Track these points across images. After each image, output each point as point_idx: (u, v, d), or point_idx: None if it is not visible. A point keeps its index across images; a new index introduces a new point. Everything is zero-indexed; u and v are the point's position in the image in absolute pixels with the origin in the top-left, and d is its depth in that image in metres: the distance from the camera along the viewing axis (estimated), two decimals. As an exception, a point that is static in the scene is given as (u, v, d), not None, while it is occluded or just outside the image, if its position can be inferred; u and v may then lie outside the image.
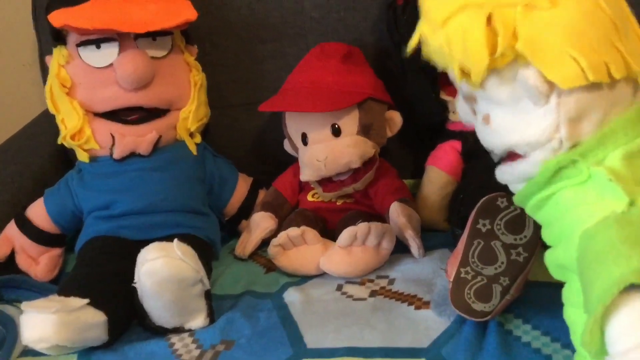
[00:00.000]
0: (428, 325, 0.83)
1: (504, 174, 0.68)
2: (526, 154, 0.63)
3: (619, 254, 0.51)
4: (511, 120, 0.63)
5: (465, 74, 0.62)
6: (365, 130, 1.05)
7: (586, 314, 0.53)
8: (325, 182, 1.08)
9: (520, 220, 0.79)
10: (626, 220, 0.54)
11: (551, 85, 0.59)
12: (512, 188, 0.69)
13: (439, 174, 1.10)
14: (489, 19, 0.59)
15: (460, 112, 0.73)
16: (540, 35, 0.58)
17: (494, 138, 0.66)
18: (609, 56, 0.58)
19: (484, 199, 0.81)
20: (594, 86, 0.59)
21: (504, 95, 0.62)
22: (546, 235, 0.66)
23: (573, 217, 0.59)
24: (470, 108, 0.70)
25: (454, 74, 0.63)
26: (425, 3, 0.65)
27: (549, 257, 0.65)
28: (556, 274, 0.66)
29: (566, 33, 0.58)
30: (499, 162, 0.70)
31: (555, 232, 0.63)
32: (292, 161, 1.15)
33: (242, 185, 1.17)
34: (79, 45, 1.03)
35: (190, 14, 1.04)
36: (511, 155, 0.66)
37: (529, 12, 0.58)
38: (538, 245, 0.79)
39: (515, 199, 0.68)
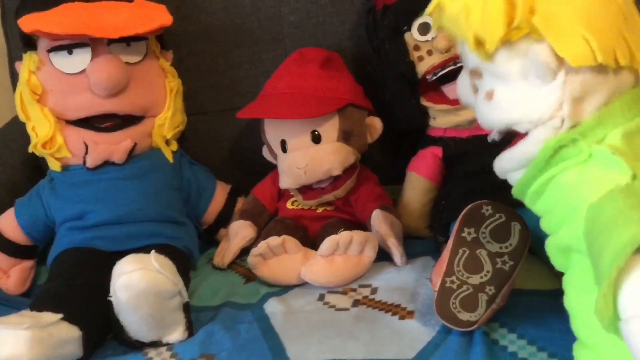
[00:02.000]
0: (413, 335, 0.81)
1: (504, 161, 0.68)
2: (527, 132, 0.64)
3: (628, 219, 0.52)
4: (516, 96, 0.64)
5: (478, 43, 0.63)
6: (345, 136, 1.04)
7: (597, 284, 0.52)
8: (305, 190, 1.07)
9: (505, 229, 0.78)
10: (631, 191, 0.56)
11: (560, 63, 0.61)
12: (511, 178, 0.69)
13: (420, 180, 1.09)
14: None
15: (460, 90, 0.73)
16: (556, 13, 0.60)
17: (496, 114, 0.66)
18: (617, 42, 0.61)
19: (469, 207, 0.79)
20: (600, 69, 0.61)
21: (513, 69, 0.64)
22: (546, 223, 0.66)
23: (577, 196, 0.60)
24: (471, 86, 0.71)
25: (468, 43, 0.64)
26: None
27: (551, 244, 0.65)
28: (558, 261, 0.65)
29: (581, 14, 0.60)
30: (496, 153, 0.70)
31: (558, 215, 0.63)
32: (270, 168, 1.13)
33: (220, 193, 1.15)
34: (50, 50, 1.00)
35: (165, 18, 1.01)
36: (509, 134, 0.67)
37: None
38: (524, 254, 0.78)
39: (514, 189, 0.68)
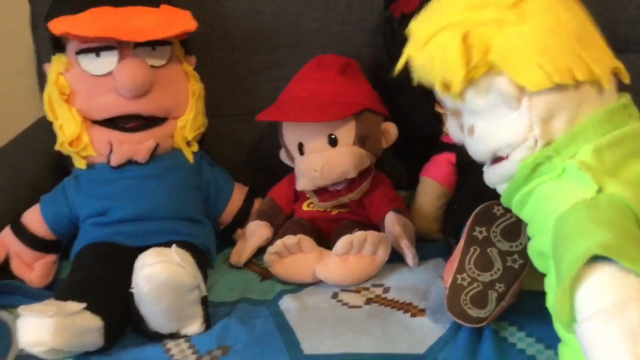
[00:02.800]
0: (424, 332, 0.84)
1: (489, 174, 0.75)
2: (508, 155, 0.70)
3: (585, 231, 0.57)
4: (491, 127, 0.70)
5: (446, 87, 0.69)
6: (361, 140, 1.07)
7: (558, 287, 0.56)
8: (321, 192, 1.09)
9: (516, 228, 0.80)
10: (594, 204, 0.60)
11: (522, 90, 0.66)
12: (498, 189, 0.74)
13: (433, 185, 1.11)
14: (466, 36, 0.67)
15: (451, 131, 0.80)
16: (511, 47, 0.66)
17: (479, 146, 0.73)
18: (572, 62, 0.66)
19: (481, 206, 0.82)
20: (560, 88, 0.66)
21: (482, 104, 0.70)
22: (530, 230, 0.70)
23: (550, 206, 0.64)
24: (458, 124, 0.77)
25: (437, 89, 0.71)
26: (411, 27, 0.74)
27: (531, 248, 0.69)
28: (539, 265, 0.69)
29: (533, 44, 0.66)
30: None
31: (536, 223, 0.68)
32: (287, 171, 1.16)
33: (238, 194, 1.17)
34: (78, 53, 1.04)
35: (189, 24, 1.05)
36: (496, 160, 0.72)
37: (500, 29, 0.67)
38: (533, 253, 0.80)
39: (502, 199, 0.73)
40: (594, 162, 0.63)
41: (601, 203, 0.60)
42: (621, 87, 0.73)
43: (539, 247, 0.66)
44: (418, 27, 0.73)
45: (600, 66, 0.67)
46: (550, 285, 0.67)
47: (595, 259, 0.54)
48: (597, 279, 0.54)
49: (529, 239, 0.71)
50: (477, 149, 0.73)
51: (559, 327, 0.65)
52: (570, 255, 0.55)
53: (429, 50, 0.69)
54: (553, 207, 0.63)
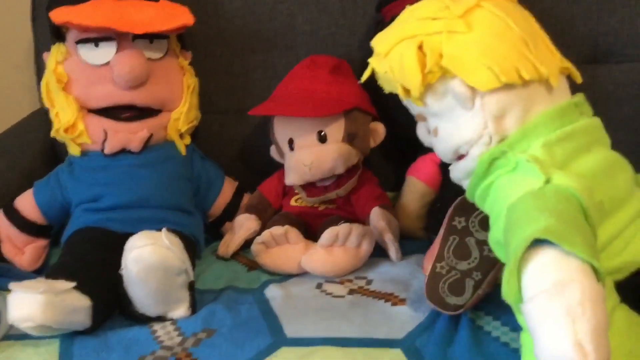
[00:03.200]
0: (403, 319, 0.86)
1: (454, 171, 0.79)
2: (467, 152, 0.75)
3: (530, 217, 0.61)
4: (451, 127, 0.76)
5: (407, 92, 0.76)
6: (350, 138, 1.10)
7: (506, 271, 0.60)
8: (309, 187, 1.12)
9: (493, 219, 0.83)
10: (541, 193, 0.64)
11: (474, 91, 0.72)
12: (463, 185, 0.79)
13: (418, 184, 1.14)
14: (420, 46, 0.73)
15: (420, 134, 0.85)
16: (461, 52, 0.72)
17: (442, 146, 0.78)
18: (519, 63, 0.71)
19: (461, 197, 0.85)
20: (509, 87, 0.72)
21: (441, 107, 0.76)
22: (490, 221, 0.74)
23: (503, 197, 0.68)
24: (426, 128, 0.83)
25: (400, 95, 0.77)
26: (373, 42, 0.80)
27: (490, 238, 0.73)
28: (499, 254, 0.72)
29: (481, 48, 0.72)
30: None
31: (494, 214, 0.71)
32: (277, 168, 1.19)
33: (228, 188, 1.20)
34: (78, 42, 1.07)
35: (187, 18, 1.08)
36: (459, 158, 0.77)
37: (451, 37, 0.73)
38: (510, 243, 0.83)
39: (466, 193, 0.77)
40: (543, 155, 0.68)
41: (547, 193, 0.64)
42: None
43: (496, 235, 0.70)
44: (379, 41, 0.79)
45: (547, 66, 0.72)
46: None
47: (540, 243, 0.58)
48: (539, 261, 0.57)
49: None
50: (442, 149, 0.79)
51: (517, 315, 0.68)
52: (516, 240, 0.59)
53: (389, 61, 0.76)
54: (506, 198, 0.67)
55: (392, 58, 0.76)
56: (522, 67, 0.71)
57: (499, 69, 0.70)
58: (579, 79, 0.77)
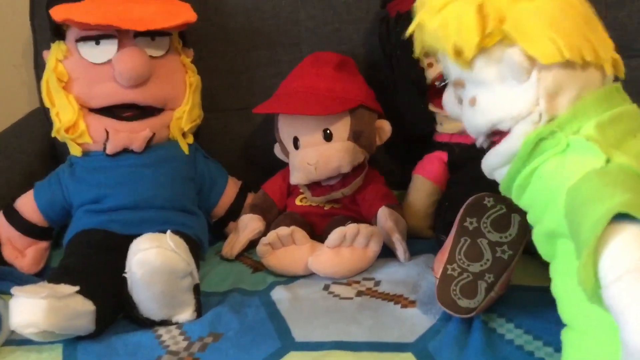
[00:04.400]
0: (414, 322, 0.85)
1: (490, 157, 0.74)
2: (510, 129, 0.70)
3: (603, 194, 0.57)
4: (496, 98, 0.70)
5: (458, 53, 0.70)
6: (356, 136, 1.08)
7: (578, 258, 0.56)
8: (314, 187, 1.10)
9: (505, 219, 0.82)
10: (606, 171, 0.61)
11: (532, 62, 0.67)
12: (497, 176, 0.74)
13: (425, 183, 1.13)
14: (481, 7, 0.68)
15: (447, 104, 0.79)
16: (524, 19, 0.68)
17: (480, 117, 0.72)
18: (581, 42, 0.68)
19: (472, 198, 0.83)
20: (568, 65, 0.67)
21: (491, 74, 0.70)
22: (532, 215, 0.70)
23: (557, 182, 0.64)
24: (456, 97, 0.77)
25: (448, 54, 0.71)
26: None
27: (537, 234, 0.69)
28: (544, 249, 0.69)
29: (546, 19, 0.68)
30: (484, 152, 0.76)
31: (541, 203, 0.67)
32: (281, 166, 1.17)
33: (231, 187, 1.18)
34: (78, 40, 1.05)
35: (189, 15, 1.06)
36: (495, 135, 0.73)
37: (514, 3, 0.69)
38: (523, 244, 0.82)
39: (501, 186, 0.73)
40: (598, 136, 0.65)
41: (612, 170, 0.60)
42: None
43: (549, 226, 0.66)
44: None
45: (605, 51, 0.69)
46: (557, 269, 0.67)
47: (615, 220, 0.54)
48: (621, 239, 0.53)
49: (530, 226, 0.71)
50: (477, 121, 0.73)
51: (564, 312, 0.65)
52: (590, 220, 0.55)
53: (444, 16, 0.70)
54: (560, 182, 0.63)
55: (448, 14, 0.70)
56: (584, 47, 0.68)
57: (563, 43, 0.66)
58: (622, 73, 0.73)
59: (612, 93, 0.69)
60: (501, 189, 0.73)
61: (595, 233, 0.53)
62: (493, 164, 0.73)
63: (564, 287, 0.66)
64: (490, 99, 0.71)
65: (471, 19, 0.68)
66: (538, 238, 0.69)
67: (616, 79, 0.72)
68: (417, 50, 0.77)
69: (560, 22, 0.68)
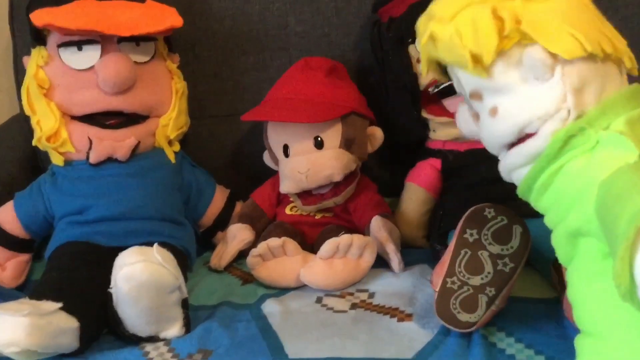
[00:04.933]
0: (411, 336, 0.82)
1: (511, 157, 0.71)
2: (537, 130, 0.68)
3: None
4: (520, 101, 0.69)
5: (476, 59, 0.68)
6: (347, 144, 1.05)
7: (612, 254, 0.53)
8: (305, 195, 1.08)
9: (507, 231, 0.79)
10: (639, 166, 0.59)
11: (554, 59, 0.66)
12: (516, 176, 0.71)
13: (418, 191, 1.10)
14: (494, 10, 0.67)
15: (461, 123, 0.78)
16: (540, 19, 0.67)
17: (504, 126, 0.70)
18: (599, 36, 0.67)
19: (472, 209, 0.81)
20: (590, 59, 0.67)
21: (512, 78, 0.69)
22: (553, 216, 0.68)
23: (586, 179, 0.63)
24: (472, 115, 0.75)
25: (465, 64, 0.69)
26: (431, 7, 0.73)
27: (557, 235, 0.67)
28: (564, 251, 0.67)
29: (562, 17, 0.67)
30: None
31: (566, 202, 0.66)
32: (271, 174, 1.14)
33: (219, 196, 1.15)
34: (60, 46, 1.01)
35: (175, 20, 1.03)
36: (520, 142, 0.70)
37: (527, 4, 0.68)
38: (525, 256, 0.79)
39: (520, 187, 0.71)
40: (629, 131, 0.63)
41: None
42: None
43: (573, 225, 0.65)
44: (440, 6, 0.72)
45: (622, 44, 0.69)
46: (577, 271, 0.66)
47: None
48: None
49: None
50: (501, 130, 0.71)
51: (582, 317, 0.63)
52: (628, 212, 0.52)
53: (457, 23, 0.69)
54: (590, 178, 0.62)
55: (462, 21, 0.69)
56: (602, 40, 0.67)
57: (583, 38, 0.65)
58: (635, 70, 0.72)
59: (639, 91, 0.68)
60: (519, 190, 0.71)
61: (636, 224, 0.51)
62: (515, 163, 0.71)
63: (584, 290, 0.65)
64: (514, 103, 0.69)
65: (487, 22, 0.67)
66: (558, 240, 0.67)
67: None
68: (425, 68, 0.76)
69: (576, 18, 0.67)
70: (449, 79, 0.77)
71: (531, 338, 0.79)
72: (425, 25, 0.72)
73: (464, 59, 0.68)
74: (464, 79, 0.73)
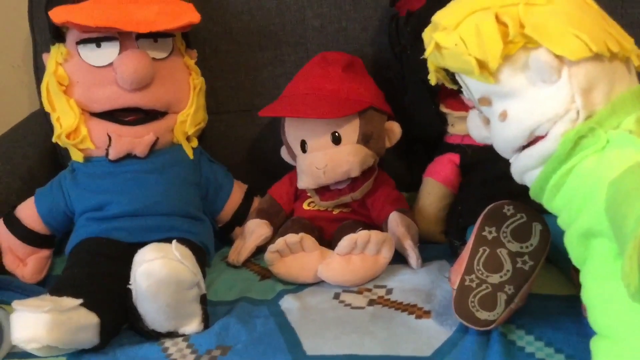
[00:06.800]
0: (430, 334, 0.82)
1: (523, 159, 0.71)
2: (547, 132, 0.68)
3: None
4: (529, 105, 0.69)
5: (482, 66, 0.69)
6: (365, 139, 1.05)
7: (621, 253, 0.53)
8: (323, 191, 1.07)
9: (526, 229, 0.79)
10: None
11: (561, 61, 0.66)
12: (528, 178, 0.71)
13: (436, 186, 1.09)
14: (497, 16, 0.68)
15: (472, 128, 0.79)
16: (544, 22, 0.67)
17: (514, 129, 0.70)
18: (604, 35, 0.67)
19: (490, 206, 0.80)
20: (597, 59, 0.67)
21: (519, 82, 0.69)
22: (565, 217, 0.68)
23: (596, 178, 0.63)
24: (482, 120, 0.76)
25: (471, 70, 0.69)
26: (435, 17, 0.73)
27: (570, 236, 0.67)
28: (577, 252, 0.67)
29: (565, 19, 0.67)
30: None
31: (577, 202, 0.65)
32: (288, 169, 1.14)
33: (237, 192, 1.15)
34: (78, 43, 1.02)
35: (193, 16, 1.03)
36: (530, 145, 0.70)
37: (529, 8, 0.68)
38: (544, 254, 0.79)
39: (532, 188, 0.70)
40: (639, 130, 0.64)
41: None
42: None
43: (585, 225, 0.64)
44: (444, 16, 0.72)
45: (629, 42, 0.69)
46: (590, 272, 0.65)
47: None
48: None
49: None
50: (511, 134, 0.71)
51: (597, 319, 0.63)
52: (636, 212, 0.52)
53: (462, 31, 0.69)
54: (600, 177, 0.62)
55: (465, 29, 0.69)
56: (608, 39, 0.67)
57: (588, 38, 0.65)
58: None
59: None
60: (531, 192, 0.71)
61: None
62: (527, 166, 0.71)
63: (598, 291, 0.64)
64: (522, 107, 0.69)
65: (491, 28, 0.67)
66: (571, 240, 0.67)
67: None
68: (433, 78, 0.76)
69: (580, 19, 0.67)
70: (458, 86, 0.77)
71: (551, 336, 0.79)
72: (430, 36, 0.73)
73: (470, 66, 0.68)
74: (472, 86, 0.73)
